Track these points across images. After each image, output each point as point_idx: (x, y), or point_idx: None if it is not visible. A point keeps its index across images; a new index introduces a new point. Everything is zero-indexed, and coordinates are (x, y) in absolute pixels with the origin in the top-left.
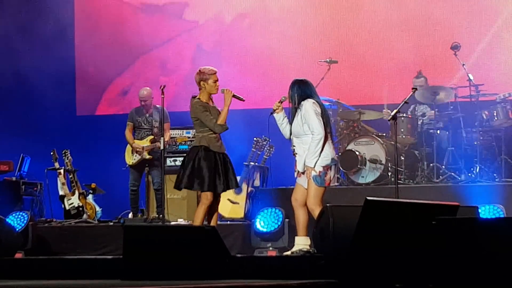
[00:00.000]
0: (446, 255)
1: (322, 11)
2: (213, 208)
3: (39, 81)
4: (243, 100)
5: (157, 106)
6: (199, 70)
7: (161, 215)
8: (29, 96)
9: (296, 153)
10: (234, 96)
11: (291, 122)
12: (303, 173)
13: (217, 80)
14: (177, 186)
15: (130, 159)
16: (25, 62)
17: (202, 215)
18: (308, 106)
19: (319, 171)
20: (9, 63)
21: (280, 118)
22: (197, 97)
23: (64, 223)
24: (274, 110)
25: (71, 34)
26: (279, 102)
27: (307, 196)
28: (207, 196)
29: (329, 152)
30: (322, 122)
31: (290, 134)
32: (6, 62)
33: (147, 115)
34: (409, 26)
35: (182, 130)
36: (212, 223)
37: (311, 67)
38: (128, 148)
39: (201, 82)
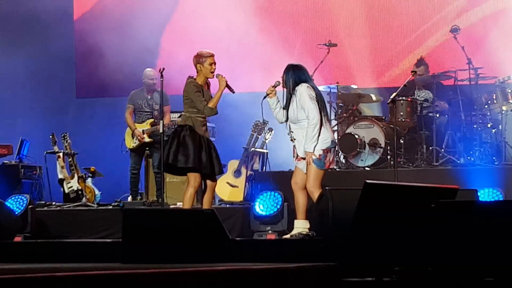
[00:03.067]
0: (445, 238)
1: None
2: (208, 195)
3: (38, 63)
4: (233, 92)
5: (157, 89)
6: (197, 53)
7: (160, 199)
8: (28, 78)
9: (295, 139)
10: (227, 85)
11: (286, 107)
12: (303, 158)
13: (214, 63)
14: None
15: (131, 142)
16: (24, 44)
17: (191, 198)
18: (303, 90)
19: (319, 155)
20: (7, 46)
21: (273, 102)
22: (193, 78)
23: (64, 207)
24: (268, 94)
25: (71, 13)
26: (272, 87)
27: (306, 179)
28: (195, 178)
29: (328, 135)
30: (317, 106)
31: (286, 119)
32: (5, 44)
33: (149, 97)
34: (408, 8)
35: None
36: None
37: (310, 50)
38: (128, 131)
39: (198, 65)
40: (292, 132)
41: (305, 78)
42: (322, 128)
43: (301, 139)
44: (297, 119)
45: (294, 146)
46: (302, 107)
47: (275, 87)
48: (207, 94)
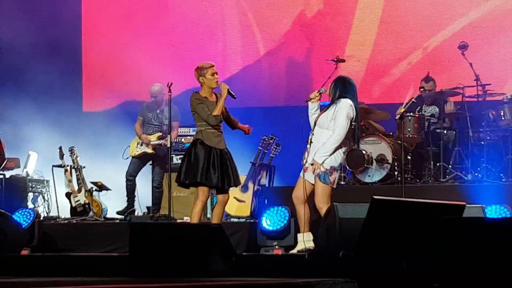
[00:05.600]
0: (452, 254)
1: (330, 10)
2: (218, 209)
3: (46, 77)
4: (235, 98)
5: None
6: (197, 66)
7: (167, 213)
8: (36, 92)
9: (312, 142)
10: (228, 91)
11: (322, 111)
12: (311, 164)
13: (215, 73)
14: (177, 182)
15: (134, 150)
16: (32, 59)
17: (199, 212)
18: (344, 106)
19: (326, 169)
20: (15, 59)
21: (313, 107)
22: (197, 92)
23: (70, 220)
24: (311, 99)
25: (78, 27)
26: (317, 92)
27: (315, 194)
28: (203, 191)
29: (339, 156)
30: (347, 127)
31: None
32: (13, 57)
33: (158, 111)
34: (416, 25)
35: (189, 128)
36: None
37: (318, 66)
38: (134, 140)
39: (200, 78)
40: (313, 134)
41: (352, 94)
42: (340, 149)
43: (317, 145)
44: (325, 125)
45: (306, 149)
46: (335, 119)
47: (320, 94)
48: (212, 104)
